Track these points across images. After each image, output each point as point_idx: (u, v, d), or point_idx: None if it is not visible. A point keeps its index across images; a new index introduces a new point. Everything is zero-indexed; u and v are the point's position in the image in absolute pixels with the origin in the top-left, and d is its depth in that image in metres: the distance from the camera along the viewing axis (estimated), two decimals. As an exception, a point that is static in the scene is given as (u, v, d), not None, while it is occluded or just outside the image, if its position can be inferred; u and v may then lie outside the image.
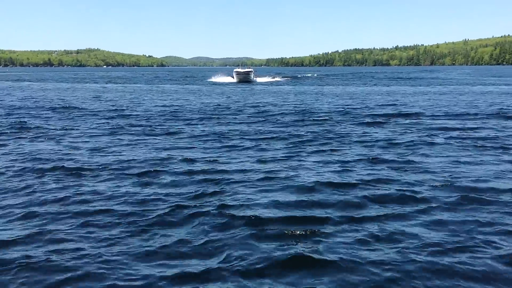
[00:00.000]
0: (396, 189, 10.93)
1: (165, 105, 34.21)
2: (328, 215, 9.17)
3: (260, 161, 14.31)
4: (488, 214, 9.31)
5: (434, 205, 9.84)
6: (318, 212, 9.42)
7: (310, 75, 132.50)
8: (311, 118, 25.30)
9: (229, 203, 9.93)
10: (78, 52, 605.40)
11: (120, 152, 15.97)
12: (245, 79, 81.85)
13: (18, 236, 8.17)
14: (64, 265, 7.06)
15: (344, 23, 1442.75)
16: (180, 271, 6.91)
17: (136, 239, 8.13)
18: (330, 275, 6.79)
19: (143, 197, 10.54)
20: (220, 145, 17.24)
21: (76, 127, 21.82)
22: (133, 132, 20.66)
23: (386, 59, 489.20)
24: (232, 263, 7.10)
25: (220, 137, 19.21)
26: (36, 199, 10.46)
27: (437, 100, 37.86)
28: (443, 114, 27.48)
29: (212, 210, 9.49)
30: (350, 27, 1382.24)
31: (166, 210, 9.52)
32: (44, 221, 9.04)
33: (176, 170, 13.10)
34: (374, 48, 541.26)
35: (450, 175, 12.23)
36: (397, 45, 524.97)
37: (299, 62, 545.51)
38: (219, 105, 34.54)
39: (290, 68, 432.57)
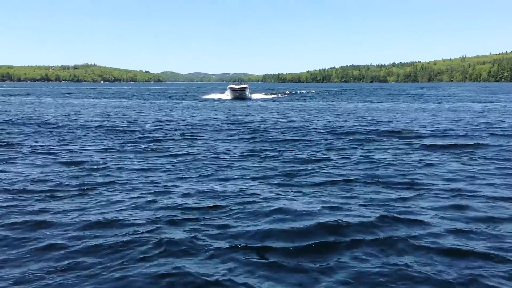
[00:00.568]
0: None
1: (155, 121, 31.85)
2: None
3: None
4: None
5: None
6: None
7: (312, 91, 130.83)
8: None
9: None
10: (75, 67, 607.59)
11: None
12: (240, 96, 77.41)
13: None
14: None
15: (341, 39, 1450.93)
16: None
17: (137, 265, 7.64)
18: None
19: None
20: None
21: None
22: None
23: (383, 75, 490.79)
24: None
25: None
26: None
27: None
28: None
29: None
30: (347, 43, 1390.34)
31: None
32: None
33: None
34: (371, 65, 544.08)
35: None
36: (394, 62, 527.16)
37: (296, 78, 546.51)
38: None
39: (287, 84, 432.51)
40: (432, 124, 31.47)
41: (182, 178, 14.24)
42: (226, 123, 32.98)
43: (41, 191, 12.35)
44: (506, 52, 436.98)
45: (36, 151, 19.37)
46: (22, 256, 7.99)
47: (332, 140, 23.22)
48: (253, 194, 12.04)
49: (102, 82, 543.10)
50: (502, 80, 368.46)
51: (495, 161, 17.07)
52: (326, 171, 15.18)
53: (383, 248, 8.29)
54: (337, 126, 30.44)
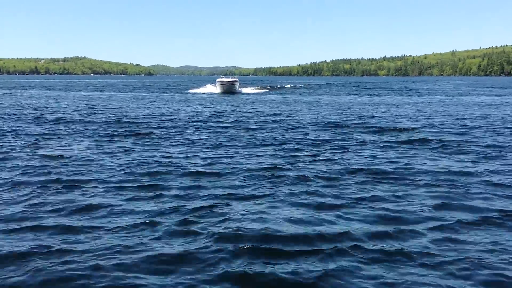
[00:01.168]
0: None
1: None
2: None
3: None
4: None
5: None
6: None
7: (297, 85, 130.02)
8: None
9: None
10: (65, 60, 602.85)
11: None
12: (229, 89, 74.65)
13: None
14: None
15: (332, 33, 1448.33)
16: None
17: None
18: None
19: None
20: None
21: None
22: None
23: (374, 69, 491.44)
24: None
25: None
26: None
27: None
28: None
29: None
30: (338, 37, 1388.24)
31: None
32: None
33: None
34: (362, 58, 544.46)
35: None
36: (385, 56, 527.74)
37: (287, 72, 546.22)
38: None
39: (278, 77, 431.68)
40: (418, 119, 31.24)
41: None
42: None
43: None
44: (496, 46, 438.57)
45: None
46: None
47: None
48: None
49: (92, 75, 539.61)
50: (492, 74, 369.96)
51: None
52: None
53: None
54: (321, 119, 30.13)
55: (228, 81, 75.49)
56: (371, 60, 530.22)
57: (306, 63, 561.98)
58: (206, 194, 11.32)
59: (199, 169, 14.12)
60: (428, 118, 31.23)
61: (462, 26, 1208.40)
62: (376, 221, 9.42)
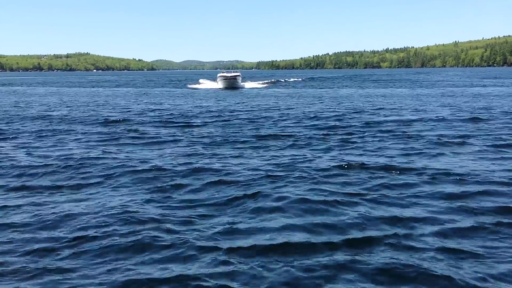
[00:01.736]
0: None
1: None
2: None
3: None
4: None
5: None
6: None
7: (294, 79, 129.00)
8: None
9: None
10: (67, 56, 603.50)
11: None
12: (232, 84, 71.39)
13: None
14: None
15: (334, 26, 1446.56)
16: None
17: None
18: None
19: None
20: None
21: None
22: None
23: (377, 61, 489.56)
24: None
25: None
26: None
27: None
28: None
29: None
30: (340, 29, 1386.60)
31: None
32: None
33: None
34: (364, 51, 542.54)
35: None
36: (388, 48, 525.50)
37: (290, 65, 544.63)
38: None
39: (281, 71, 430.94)
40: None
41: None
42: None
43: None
44: (499, 37, 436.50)
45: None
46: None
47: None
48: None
49: (95, 70, 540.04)
50: (495, 64, 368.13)
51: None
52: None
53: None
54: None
55: (230, 76, 72.22)
56: (373, 52, 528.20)
57: (309, 56, 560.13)
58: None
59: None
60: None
61: (464, 17, 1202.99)
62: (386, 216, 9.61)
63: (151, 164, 14.17)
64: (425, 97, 45.33)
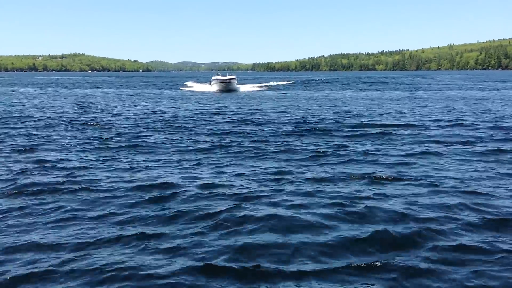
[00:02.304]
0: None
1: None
2: None
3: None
4: None
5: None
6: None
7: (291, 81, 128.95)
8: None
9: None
10: (63, 56, 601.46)
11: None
12: (227, 88, 69.45)
13: None
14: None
15: (330, 28, 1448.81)
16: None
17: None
18: None
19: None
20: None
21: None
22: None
23: (372, 63, 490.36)
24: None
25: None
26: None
27: None
28: None
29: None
30: (336, 31, 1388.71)
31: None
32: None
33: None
34: (359, 53, 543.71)
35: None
36: (383, 50, 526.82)
37: (285, 67, 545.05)
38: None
39: (276, 73, 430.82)
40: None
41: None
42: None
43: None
44: (493, 40, 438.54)
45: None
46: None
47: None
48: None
49: (90, 71, 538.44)
50: (490, 68, 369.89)
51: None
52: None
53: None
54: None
55: (226, 79, 70.22)
56: (369, 54, 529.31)
57: (304, 58, 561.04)
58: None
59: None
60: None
61: (459, 20, 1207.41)
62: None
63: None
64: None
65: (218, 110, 36.17)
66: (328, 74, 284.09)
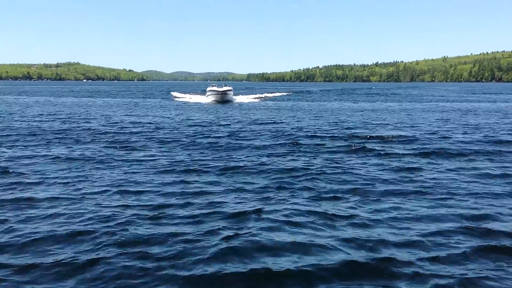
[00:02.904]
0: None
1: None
2: None
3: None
4: None
5: None
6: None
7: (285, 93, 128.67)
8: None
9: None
10: (57, 65, 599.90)
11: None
12: (223, 99, 67.33)
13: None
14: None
15: (325, 39, 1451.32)
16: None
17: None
18: None
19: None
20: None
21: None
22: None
23: (366, 75, 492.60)
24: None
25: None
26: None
27: None
28: None
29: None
30: (331, 43, 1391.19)
31: None
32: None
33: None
34: (354, 64, 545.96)
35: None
36: (377, 62, 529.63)
37: (280, 78, 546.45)
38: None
39: (271, 83, 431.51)
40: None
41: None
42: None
43: None
44: (487, 52, 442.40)
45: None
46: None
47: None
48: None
49: (85, 80, 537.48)
50: (483, 80, 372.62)
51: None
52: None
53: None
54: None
55: (222, 91, 67.93)
56: (363, 66, 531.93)
57: (299, 69, 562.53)
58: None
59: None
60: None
61: (453, 32, 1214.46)
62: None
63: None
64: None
65: (214, 122, 35.91)
66: (323, 85, 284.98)
